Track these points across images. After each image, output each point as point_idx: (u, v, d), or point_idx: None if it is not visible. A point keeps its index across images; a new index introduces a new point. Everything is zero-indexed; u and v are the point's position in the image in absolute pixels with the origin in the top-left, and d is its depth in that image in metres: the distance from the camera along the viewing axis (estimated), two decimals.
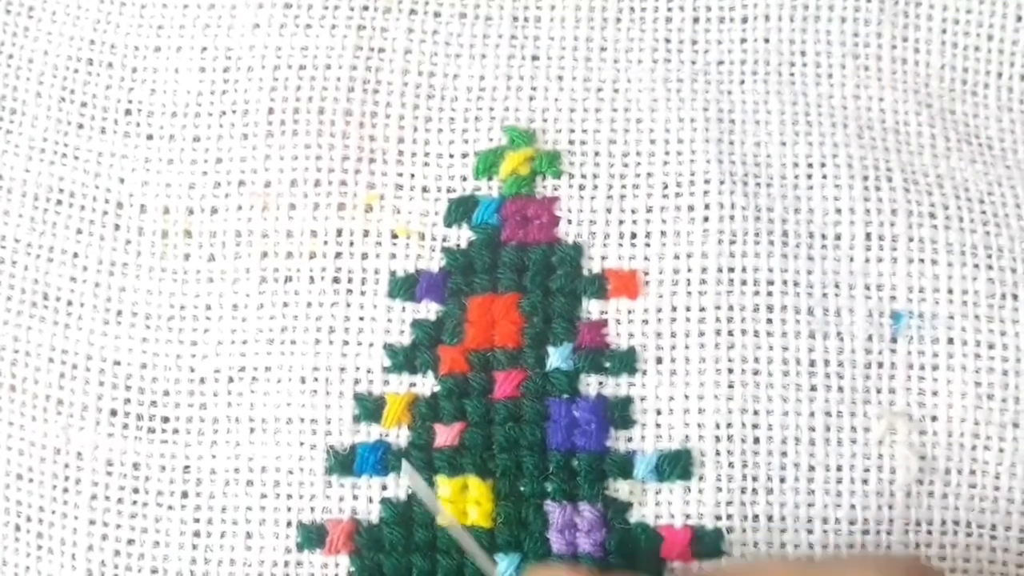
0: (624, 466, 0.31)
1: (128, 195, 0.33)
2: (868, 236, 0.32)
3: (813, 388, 0.31)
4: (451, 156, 0.33)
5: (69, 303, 0.33)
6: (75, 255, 0.33)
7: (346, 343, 0.32)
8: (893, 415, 0.31)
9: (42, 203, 0.33)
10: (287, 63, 0.34)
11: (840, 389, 0.31)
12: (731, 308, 0.31)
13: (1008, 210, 0.33)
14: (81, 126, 0.34)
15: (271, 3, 0.34)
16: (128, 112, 0.34)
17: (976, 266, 0.32)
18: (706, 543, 0.30)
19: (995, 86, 0.34)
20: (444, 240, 0.32)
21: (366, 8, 0.34)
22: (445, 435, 0.31)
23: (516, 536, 0.30)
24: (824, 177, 0.33)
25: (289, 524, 0.31)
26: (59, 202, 0.33)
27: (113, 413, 0.32)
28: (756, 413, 0.31)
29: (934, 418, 0.31)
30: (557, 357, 0.31)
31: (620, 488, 0.30)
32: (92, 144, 0.34)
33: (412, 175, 0.33)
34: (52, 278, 0.33)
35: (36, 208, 0.33)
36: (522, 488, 0.30)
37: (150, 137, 0.34)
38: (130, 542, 0.31)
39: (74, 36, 0.35)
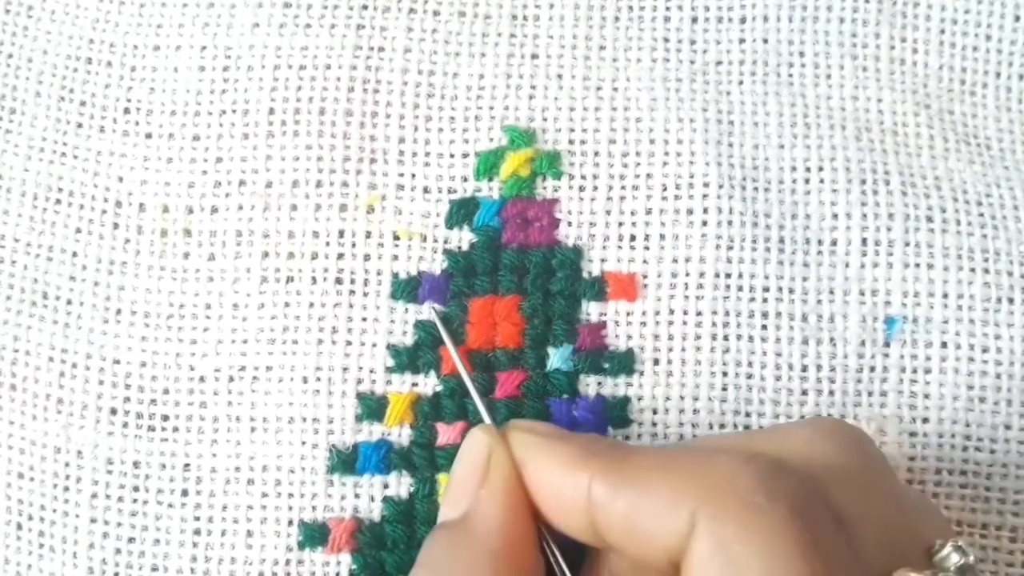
0: None
1: (127, 194, 0.34)
2: (864, 241, 0.33)
3: (804, 392, 0.32)
4: (452, 156, 0.34)
5: (68, 302, 0.33)
6: (74, 254, 0.34)
7: (349, 343, 0.33)
8: (883, 418, 0.32)
9: (41, 202, 0.34)
10: (287, 63, 0.34)
11: (831, 393, 0.32)
12: (727, 313, 0.33)
13: (1006, 212, 0.34)
14: (80, 125, 0.35)
15: (270, 2, 0.35)
16: (127, 111, 0.35)
17: (972, 270, 0.33)
18: None
19: (993, 86, 0.35)
20: (446, 242, 0.33)
21: (365, 7, 0.35)
22: (447, 434, 0.32)
23: None
24: (821, 182, 0.34)
25: (290, 523, 0.32)
26: (58, 201, 0.34)
27: (113, 411, 0.33)
28: (748, 415, 0.32)
29: (925, 420, 0.32)
30: (557, 358, 0.33)
31: None
32: (91, 143, 0.35)
33: (413, 175, 0.34)
34: (51, 277, 0.34)
35: (35, 207, 0.34)
36: None
37: (149, 136, 0.34)
38: (131, 540, 0.32)
39: (73, 35, 0.35)
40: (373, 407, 0.33)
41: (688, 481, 0.24)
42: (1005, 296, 0.33)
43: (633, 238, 0.33)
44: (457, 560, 0.26)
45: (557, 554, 0.27)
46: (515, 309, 0.33)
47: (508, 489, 0.27)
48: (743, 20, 0.35)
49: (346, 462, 0.32)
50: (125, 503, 0.32)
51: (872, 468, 0.26)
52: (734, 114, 0.34)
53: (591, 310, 0.33)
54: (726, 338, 0.33)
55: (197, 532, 0.32)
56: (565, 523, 0.26)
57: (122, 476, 0.32)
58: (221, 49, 0.35)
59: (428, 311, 0.33)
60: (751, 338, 0.33)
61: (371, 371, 0.33)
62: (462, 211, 0.34)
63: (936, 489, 0.32)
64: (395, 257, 0.33)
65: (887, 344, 0.33)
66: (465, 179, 0.34)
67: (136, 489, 0.32)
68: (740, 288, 0.33)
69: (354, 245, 0.33)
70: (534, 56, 0.35)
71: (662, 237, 0.33)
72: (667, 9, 0.35)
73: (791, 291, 0.33)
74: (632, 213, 0.33)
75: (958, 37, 0.36)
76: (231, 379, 0.33)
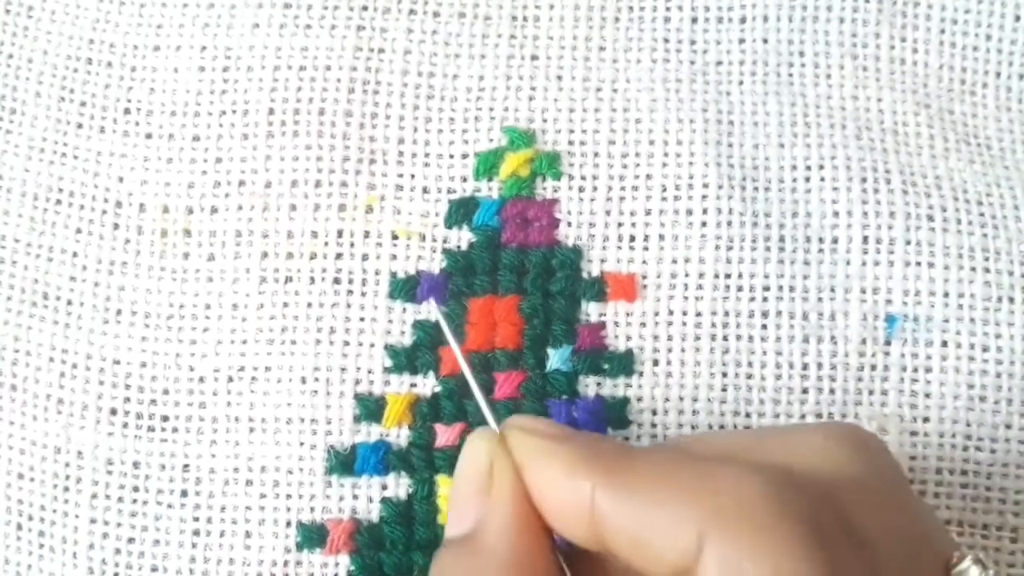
0: None
1: (127, 194, 0.34)
2: (865, 239, 0.33)
3: (804, 391, 0.32)
4: (451, 157, 0.34)
5: (69, 302, 0.33)
6: (74, 254, 0.34)
7: (347, 343, 0.32)
8: (884, 416, 0.32)
9: (41, 203, 0.34)
10: (287, 63, 0.34)
11: (832, 391, 0.32)
12: (726, 313, 0.32)
13: (1006, 211, 0.33)
14: (80, 125, 0.35)
15: (271, 3, 0.35)
16: (127, 111, 0.35)
17: (973, 269, 0.33)
18: None
19: (993, 86, 0.35)
20: (445, 242, 0.33)
21: (365, 8, 0.35)
22: (446, 435, 0.32)
23: None
24: (822, 180, 0.33)
25: (289, 524, 0.32)
26: (58, 202, 0.34)
27: (113, 412, 0.33)
28: (748, 415, 0.32)
29: (926, 419, 0.32)
30: (557, 359, 0.32)
31: None
32: (91, 143, 0.35)
33: (412, 176, 0.34)
34: (52, 278, 0.34)
35: (35, 208, 0.34)
36: None
37: (149, 136, 0.34)
38: (130, 540, 0.32)
39: (73, 35, 0.35)
40: (371, 408, 0.32)
41: (694, 497, 0.23)
42: (1006, 295, 0.33)
43: (633, 239, 0.33)
44: None
45: (563, 565, 0.26)
46: (515, 309, 0.33)
47: (515, 498, 0.25)
48: (743, 20, 0.35)
49: (344, 463, 0.32)
50: (125, 503, 0.32)
51: (887, 478, 0.25)
52: (734, 114, 0.34)
53: (590, 311, 0.33)
54: (725, 338, 0.32)
55: (196, 533, 0.32)
56: (568, 530, 0.25)
57: (122, 476, 0.32)
58: (221, 50, 0.35)
59: (428, 309, 0.33)
60: (751, 338, 0.32)
61: (369, 371, 0.32)
62: (461, 210, 0.33)
63: (936, 489, 0.32)
64: (393, 257, 0.33)
65: (888, 343, 0.32)
66: (464, 179, 0.34)
67: (136, 489, 0.32)
68: (740, 288, 0.33)
69: (352, 245, 0.33)
70: (534, 57, 0.35)
71: (661, 238, 0.33)
72: (667, 10, 0.35)
73: (791, 289, 0.33)
74: (632, 214, 0.33)
75: (958, 37, 0.35)
76: (230, 379, 0.33)
